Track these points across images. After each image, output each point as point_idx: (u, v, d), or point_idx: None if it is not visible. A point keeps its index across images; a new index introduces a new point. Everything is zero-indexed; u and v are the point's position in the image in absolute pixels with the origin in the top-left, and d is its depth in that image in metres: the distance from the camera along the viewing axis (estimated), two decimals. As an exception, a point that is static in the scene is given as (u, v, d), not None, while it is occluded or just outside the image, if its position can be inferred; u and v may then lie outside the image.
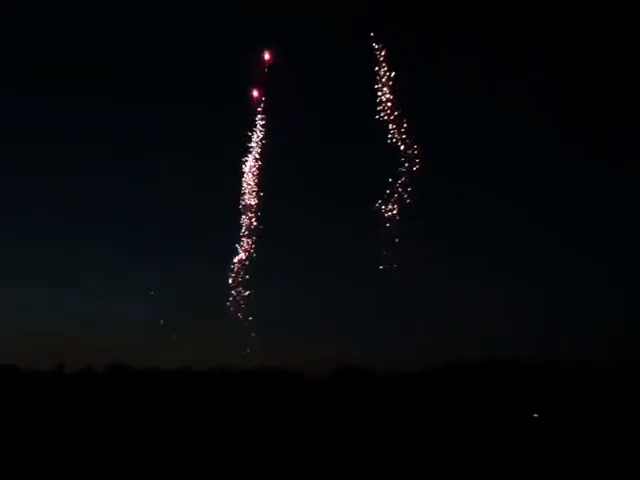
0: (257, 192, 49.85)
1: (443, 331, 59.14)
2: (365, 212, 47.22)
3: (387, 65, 42.82)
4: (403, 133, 41.82)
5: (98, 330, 72.70)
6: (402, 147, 41.90)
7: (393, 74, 42.58)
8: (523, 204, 68.18)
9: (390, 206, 42.73)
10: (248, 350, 50.32)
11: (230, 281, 49.93)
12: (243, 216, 49.95)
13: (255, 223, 50.04)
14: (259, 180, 49.63)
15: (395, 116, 41.92)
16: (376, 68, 43.08)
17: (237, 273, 49.50)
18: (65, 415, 47.95)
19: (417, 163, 42.29)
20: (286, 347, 65.45)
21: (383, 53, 43.52)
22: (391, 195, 42.49)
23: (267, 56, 50.46)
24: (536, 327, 61.79)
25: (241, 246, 50.09)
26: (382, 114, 42.32)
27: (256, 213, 49.74)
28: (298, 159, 56.74)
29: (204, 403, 52.56)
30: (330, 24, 51.67)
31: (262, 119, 49.66)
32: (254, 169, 49.19)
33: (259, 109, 49.99)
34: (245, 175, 49.34)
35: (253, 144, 49.25)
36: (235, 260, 49.86)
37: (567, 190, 66.22)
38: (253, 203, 49.23)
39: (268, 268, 57.77)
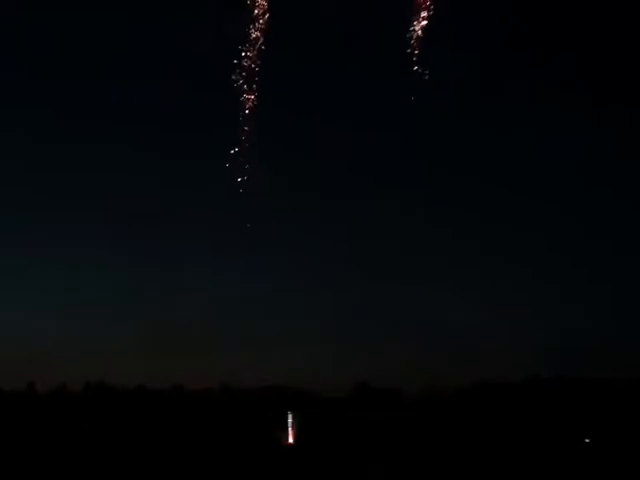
0: None
1: (477, 347, 53.95)
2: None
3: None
4: None
5: (73, 346, 66.41)
6: None
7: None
8: (565, 213, 65.06)
9: None
10: None
11: None
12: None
13: None
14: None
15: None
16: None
17: None
18: (38, 442, 42.57)
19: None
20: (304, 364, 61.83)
21: None
22: None
23: None
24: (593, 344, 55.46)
25: None
26: None
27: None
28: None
29: (201, 427, 46.12)
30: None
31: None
32: None
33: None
34: None
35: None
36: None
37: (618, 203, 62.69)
38: None
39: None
